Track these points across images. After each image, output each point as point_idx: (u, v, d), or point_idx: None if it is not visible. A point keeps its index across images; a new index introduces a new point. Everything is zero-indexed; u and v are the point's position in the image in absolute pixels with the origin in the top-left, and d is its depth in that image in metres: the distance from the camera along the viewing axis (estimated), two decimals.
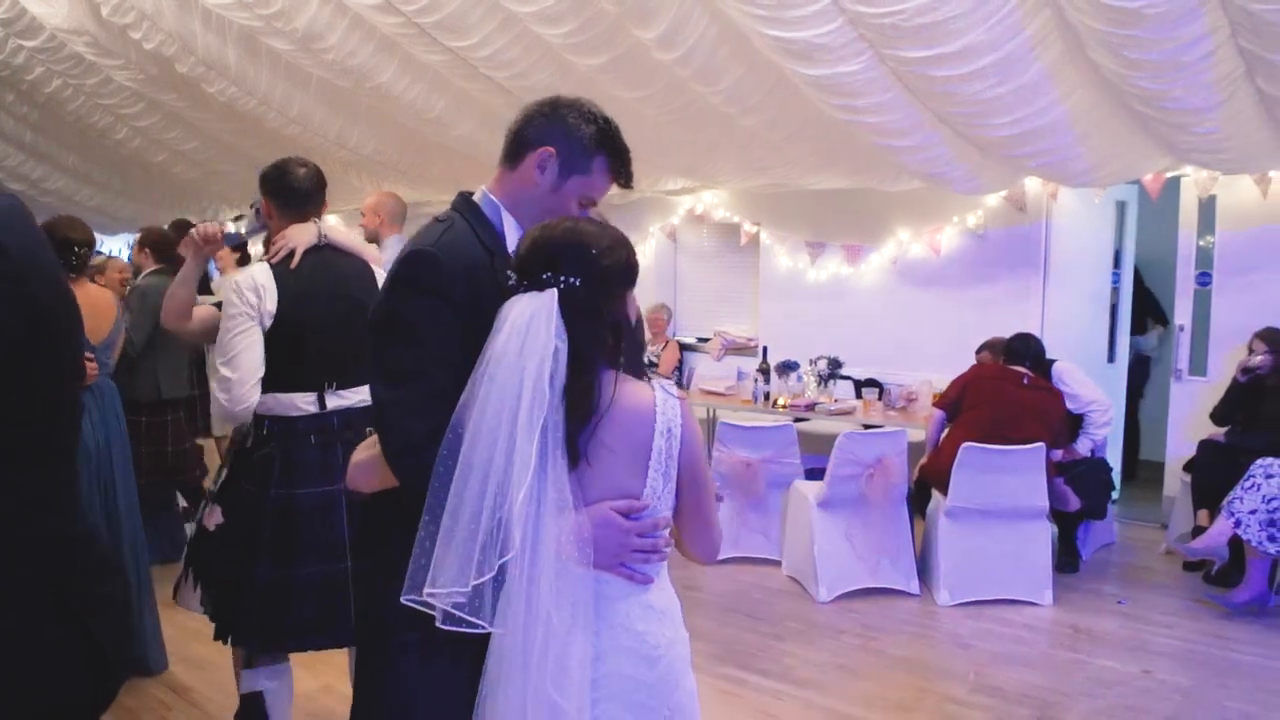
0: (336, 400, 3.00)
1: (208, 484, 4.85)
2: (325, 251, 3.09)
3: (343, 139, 7.84)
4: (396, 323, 1.81)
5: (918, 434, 5.63)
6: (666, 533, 1.75)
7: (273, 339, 2.94)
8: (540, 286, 1.70)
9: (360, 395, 2.99)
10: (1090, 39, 4.15)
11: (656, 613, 1.74)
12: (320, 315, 2.97)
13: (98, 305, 4.11)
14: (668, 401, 1.73)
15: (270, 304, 2.94)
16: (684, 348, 8.40)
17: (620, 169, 2.02)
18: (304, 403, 2.97)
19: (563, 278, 1.69)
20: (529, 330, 1.65)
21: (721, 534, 1.86)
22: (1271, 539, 4.67)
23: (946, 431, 5.32)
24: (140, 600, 4.20)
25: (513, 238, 1.96)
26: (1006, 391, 5.13)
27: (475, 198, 2.01)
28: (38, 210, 11.69)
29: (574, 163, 1.95)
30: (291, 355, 2.95)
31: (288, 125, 7.65)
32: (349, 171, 8.64)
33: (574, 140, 1.95)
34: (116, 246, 13.81)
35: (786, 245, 7.67)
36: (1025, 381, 5.19)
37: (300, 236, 3.05)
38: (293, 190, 3.12)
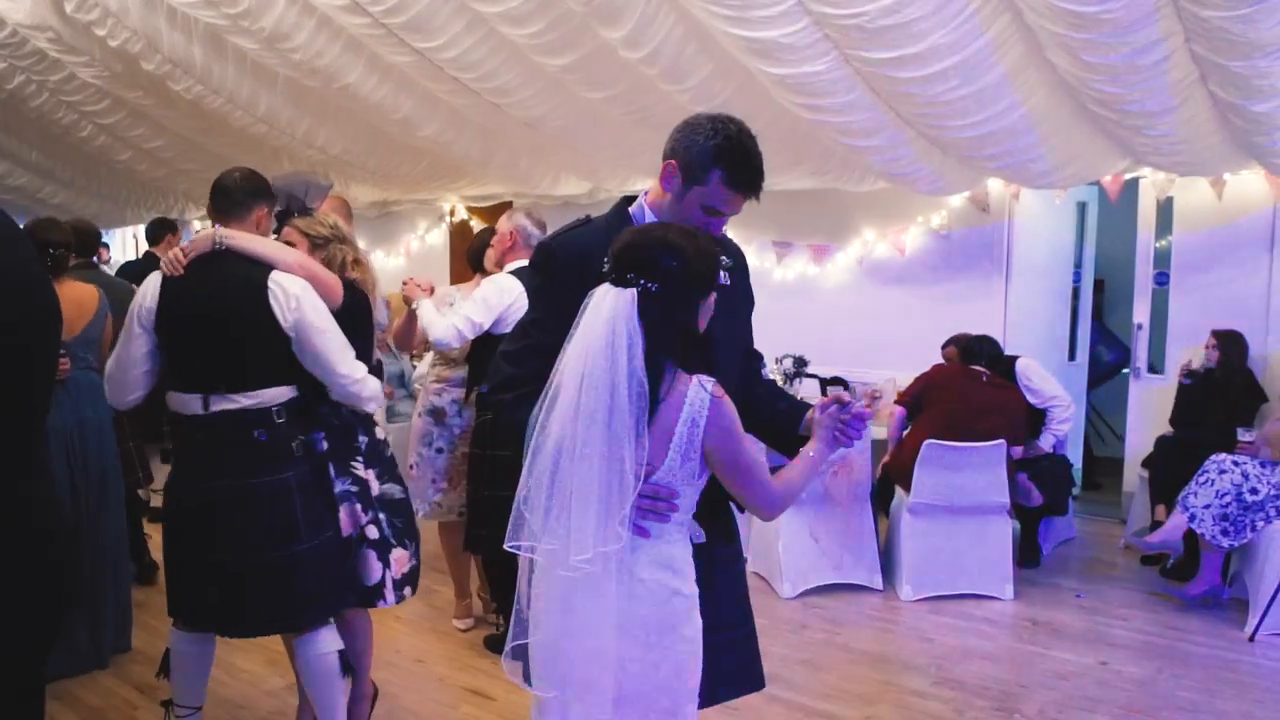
0: (225, 403, 2.98)
1: None
2: (223, 257, 3.03)
3: (310, 138, 7.82)
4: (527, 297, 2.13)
5: (882, 431, 5.70)
6: (674, 500, 1.99)
7: (161, 340, 3.04)
8: (624, 284, 1.95)
9: (257, 399, 2.99)
10: (1049, 42, 4.23)
11: (662, 566, 2.01)
12: (190, 319, 3.00)
13: (75, 302, 4.13)
14: (699, 395, 1.97)
15: (150, 303, 3.01)
16: None
17: (740, 181, 2.14)
18: (192, 403, 3.00)
19: (642, 280, 1.94)
20: (612, 323, 1.91)
21: (782, 495, 2.07)
22: (1224, 533, 4.78)
23: (908, 429, 5.39)
24: (119, 591, 4.25)
25: None
26: (967, 388, 5.21)
27: (632, 205, 2.30)
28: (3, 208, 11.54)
29: (693, 174, 2.15)
30: (174, 356, 3.05)
31: (254, 124, 7.62)
32: (317, 170, 8.59)
33: (693, 153, 2.14)
34: None
35: (753, 245, 7.71)
36: (984, 379, 5.27)
37: (198, 242, 3.07)
38: (221, 192, 3.16)
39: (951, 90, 4.53)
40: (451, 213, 9.70)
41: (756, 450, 2.26)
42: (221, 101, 7.34)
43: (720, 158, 2.12)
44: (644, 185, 7.61)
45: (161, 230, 7.25)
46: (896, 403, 5.57)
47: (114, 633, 4.22)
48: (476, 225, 8.95)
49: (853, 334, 7.15)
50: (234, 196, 3.13)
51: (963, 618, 4.86)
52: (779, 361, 6.76)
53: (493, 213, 8.22)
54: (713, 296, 2.04)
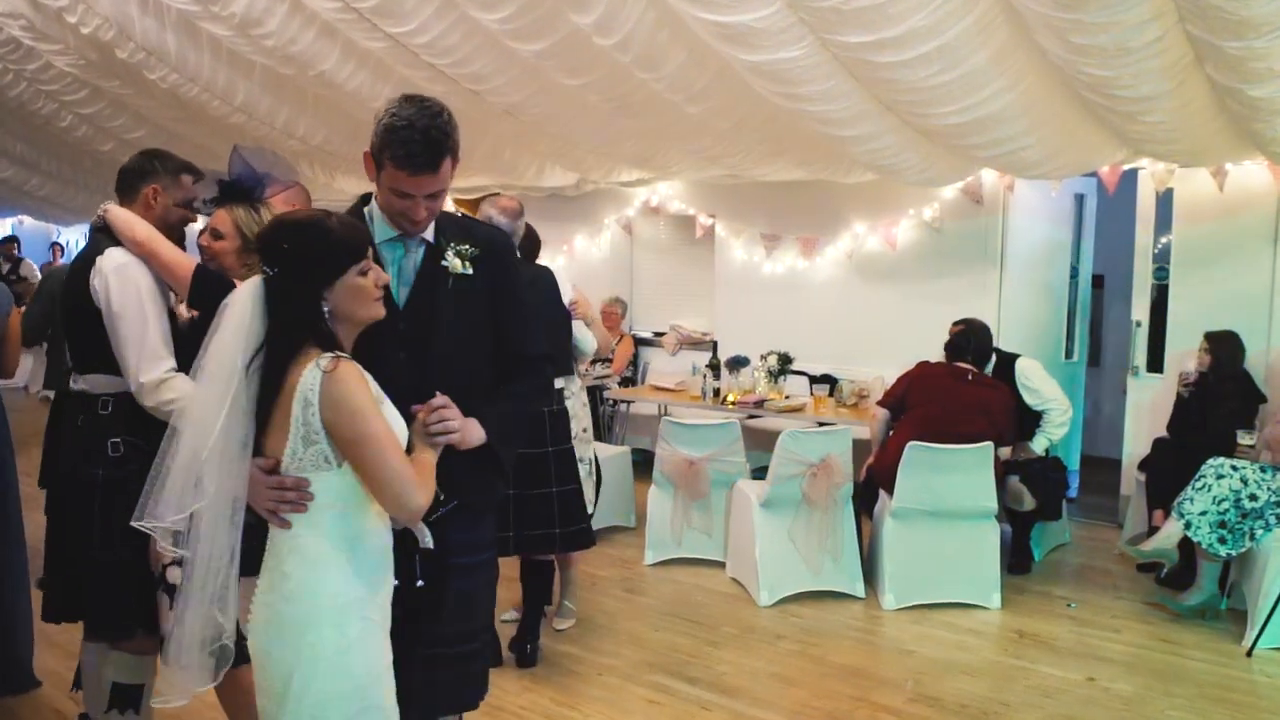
0: (79, 384, 2.90)
1: None
2: (97, 237, 2.93)
3: (290, 128, 7.64)
4: None
5: (865, 432, 5.49)
6: (305, 489, 1.95)
7: None
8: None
9: (88, 384, 2.88)
10: (1036, 23, 4.00)
11: (305, 559, 1.94)
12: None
13: None
14: (311, 374, 1.89)
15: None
16: (639, 342, 8.25)
17: (400, 158, 2.10)
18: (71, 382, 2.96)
19: (265, 267, 1.97)
20: (238, 312, 1.95)
21: (414, 492, 1.94)
22: (1222, 541, 4.55)
23: (892, 430, 5.17)
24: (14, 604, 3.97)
25: (375, 229, 2.26)
26: (951, 388, 4.99)
27: (369, 202, 2.31)
28: None
29: (377, 160, 2.17)
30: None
31: (232, 114, 7.45)
32: (300, 161, 8.43)
33: (373, 139, 2.15)
34: (73, 238, 13.57)
35: (742, 238, 7.53)
36: (970, 378, 5.05)
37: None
38: (117, 175, 3.02)
39: (934, 75, 4.30)
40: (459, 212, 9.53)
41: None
42: (198, 90, 7.17)
43: (386, 138, 2.11)
44: (630, 175, 7.54)
45: None
46: (879, 404, 5.36)
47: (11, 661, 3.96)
48: None
49: (842, 330, 6.96)
50: (124, 179, 2.97)
51: (946, 628, 4.64)
52: (763, 358, 6.57)
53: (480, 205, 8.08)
54: (358, 278, 1.98)
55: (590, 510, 4.41)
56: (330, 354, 1.91)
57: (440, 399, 2.11)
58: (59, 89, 8.13)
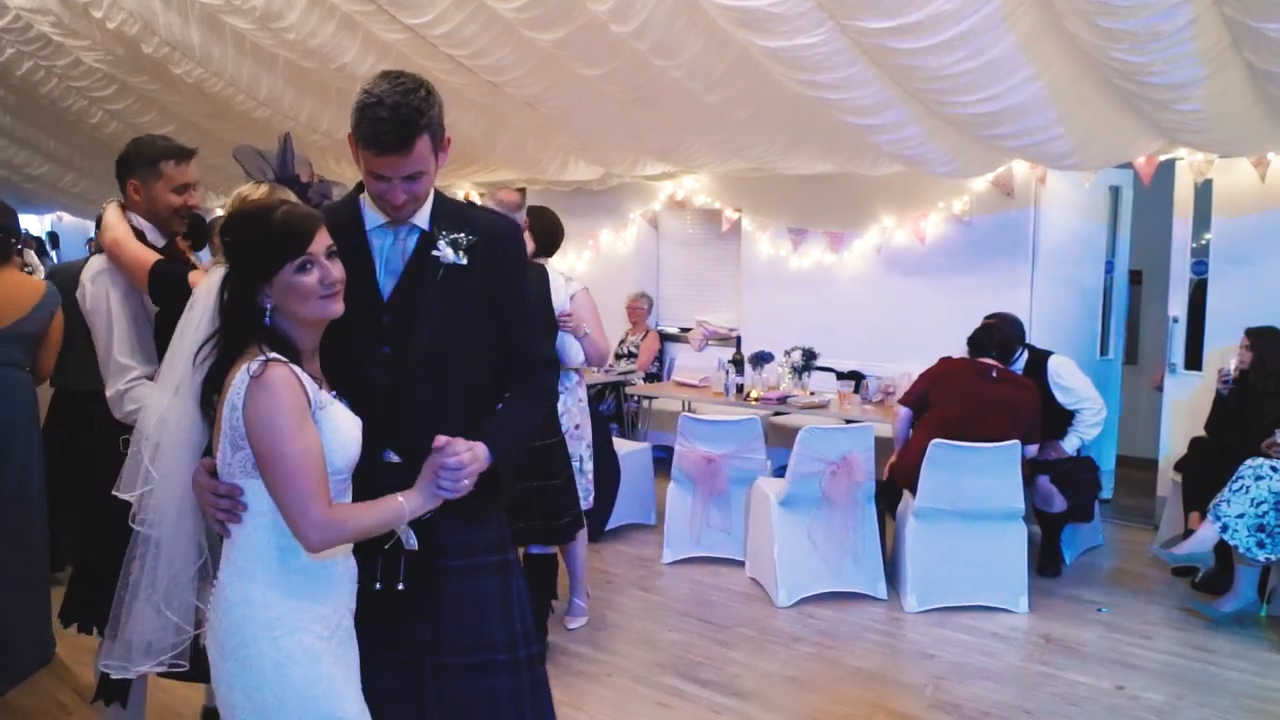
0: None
1: None
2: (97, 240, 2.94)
3: (314, 122, 7.63)
4: None
5: (887, 430, 5.36)
6: (238, 497, 1.88)
7: None
8: None
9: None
10: (1064, 8, 3.86)
11: (237, 568, 1.87)
12: None
13: (6, 293, 3.89)
14: (241, 377, 1.81)
15: None
16: (665, 338, 8.16)
17: (366, 138, 1.99)
18: None
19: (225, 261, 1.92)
20: (199, 303, 1.93)
21: (326, 524, 1.82)
22: (1260, 545, 4.37)
23: (914, 429, 5.03)
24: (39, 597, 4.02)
25: (366, 215, 2.15)
26: (973, 385, 4.84)
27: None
28: (25, 197, 11.53)
29: (355, 143, 2.04)
30: None
31: (257, 108, 7.46)
32: (326, 156, 8.44)
33: (351, 117, 2.02)
34: None
35: (768, 232, 7.41)
36: (994, 374, 4.90)
37: None
38: None
39: (958, 63, 4.16)
40: (465, 199, 9.49)
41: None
42: (223, 85, 7.19)
43: (356, 117, 2.00)
44: (654, 169, 7.46)
45: None
46: (900, 401, 5.22)
47: (33, 644, 3.97)
48: None
49: (870, 325, 6.82)
50: (116, 175, 2.92)
51: (970, 632, 4.50)
52: (788, 354, 6.44)
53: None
54: (296, 276, 1.87)
55: (585, 505, 4.34)
56: (262, 358, 1.81)
57: (462, 453, 1.94)
58: (88, 85, 8.18)
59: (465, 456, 1.93)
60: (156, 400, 1.95)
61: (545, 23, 5.04)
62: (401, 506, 1.90)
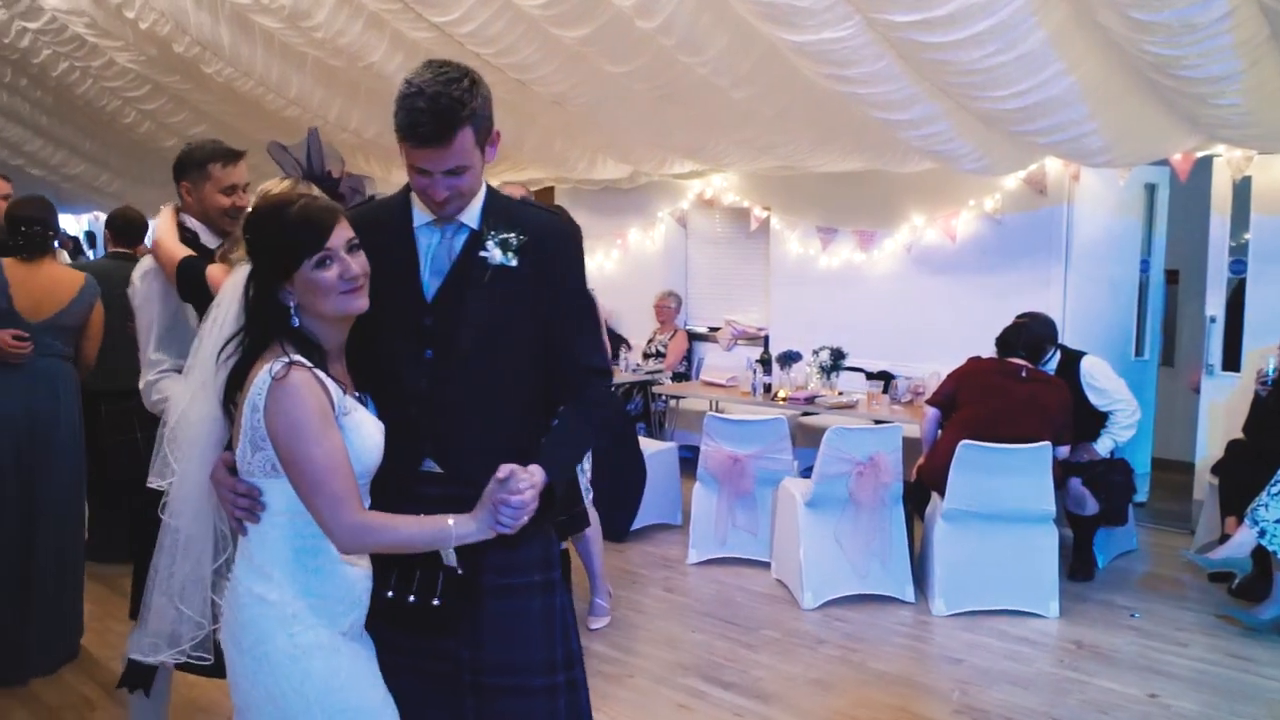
0: None
1: None
2: None
3: (343, 121, 7.67)
4: None
5: (915, 431, 5.28)
6: (257, 497, 1.86)
7: None
8: None
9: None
10: (1096, 0, 3.78)
11: (254, 567, 1.85)
12: None
13: (46, 286, 3.97)
14: (261, 379, 1.78)
15: None
16: (693, 337, 8.11)
17: (403, 129, 1.91)
18: None
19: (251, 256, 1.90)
20: (225, 300, 1.93)
21: (361, 528, 1.79)
22: None
23: (942, 430, 4.96)
24: (70, 590, 4.06)
25: (414, 212, 2.06)
26: (1002, 386, 4.75)
27: None
28: (63, 197, 11.65)
29: (396, 133, 1.93)
30: None
31: (287, 107, 7.50)
32: (355, 155, 8.48)
33: (394, 111, 1.93)
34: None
35: (797, 231, 7.34)
36: (1024, 374, 4.81)
37: None
38: None
39: (989, 57, 4.09)
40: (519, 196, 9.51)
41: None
42: (252, 84, 7.25)
43: (396, 107, 1.90)
44: (682, 168, 7.41)
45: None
46: (928, 402, 5.14)
47: (59, 637, 4.02)
48: None
49: (900, 325, 6.74)
50: (173, 177, 2.99)
51: (998, 636, 4.42)
52: (815, 353, 6.38)
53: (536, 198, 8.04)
54: (316, 271, 1.82)
55: (586, 500, 4.34)
56: (285, 359, 1.78)
57: (525, 490, 1.81)
58: (122, 85, 8.27)
59: (529, 495, 1.81)
60: (179, 395, 1.96)
61: (570, 19, 5.02)
62: (449, 531, 1.80)
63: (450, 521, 1.80)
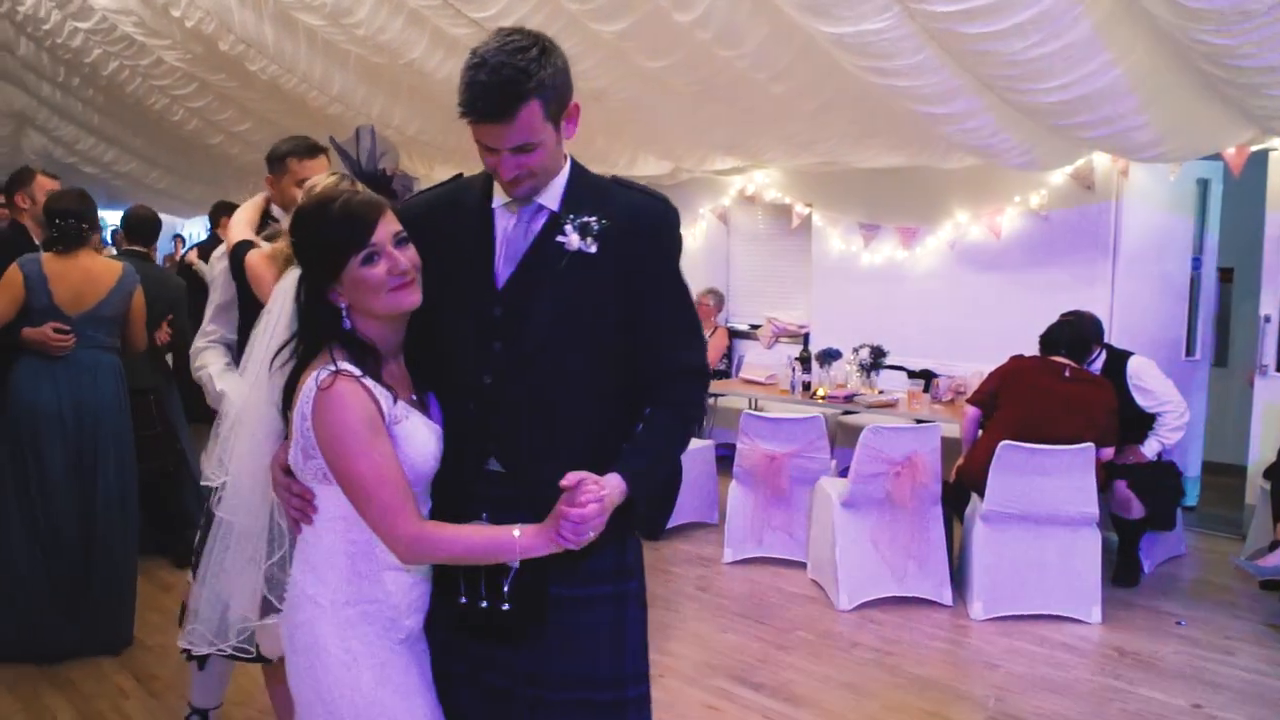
0: None
1: None
2: None
3: (386, 118, 7.70)
4: None
5: (955, 431, 5.18)
6: (310, 500, 1.84)
7: None
8: None
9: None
10: None
11: (310, 568, 1.84)
12: None
13: (85, 277, 4.01)
14: (309, 388, 1.76)
15: None
16: (734, 334, 8.05)
17: (465, 103, 1.75)
18: None
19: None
20: (275, 306, 1.91)
21: (416, 539, 1.73)
22: None
23: (983, 430, 4.86)
24: (121, 579, 4.10)
25: (497, 194, 1.91)
26: (1046, 385, 4.64)
27: None
28: (114, 193, 11.86)
29: (458, 107, 1.79)
30: None
31: (330, 104, 7.55)
32: (398, 152, 8.50)
33: None
34: (195, 230, 14.05)
35: (839, 227, 7.25)
36: (1067, 374, 4.69)
37: None
38: None
39: (1032, 48, 3.99)
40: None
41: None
42: (296, 81, 7.31)
43: (459, 85, 1.76)
44: (723, 164, 7.34)
45: (219, 212, 7.28)
46: (969, 401, 5.03)
47: (111, 625, 4.07)
48: None
49: (943, 323, 6.63)
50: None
51: (1038, 642, 4.32)
52: (855, 351, 6.29)
53: None
54: (363, 269, 1.75)
55: None
56: (331, 368, 1.72)
57: (589, 504, 1.66)
58: (169, 84, 8.39)
59: (591, 510, 1.66)
60: (234, 394, 2.03)
61: (608, 13, 5.00)
62: (513, 543, 1.70)
63: (516, 533, 1.70)
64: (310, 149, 3.04)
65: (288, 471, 1.84)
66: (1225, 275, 6.96)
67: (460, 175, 2.02)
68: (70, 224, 3.98)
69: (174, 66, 8.00)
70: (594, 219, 1.82)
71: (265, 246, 2.91)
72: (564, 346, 1.84)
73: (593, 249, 1.81)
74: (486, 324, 1.85)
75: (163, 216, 14.05)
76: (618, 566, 1.94)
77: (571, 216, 1.82)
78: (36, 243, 4.32)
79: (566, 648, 1.89)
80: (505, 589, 1.82)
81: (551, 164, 1.84)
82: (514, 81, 1.70)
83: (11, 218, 4.55)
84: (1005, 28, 3.88)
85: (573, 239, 1.81)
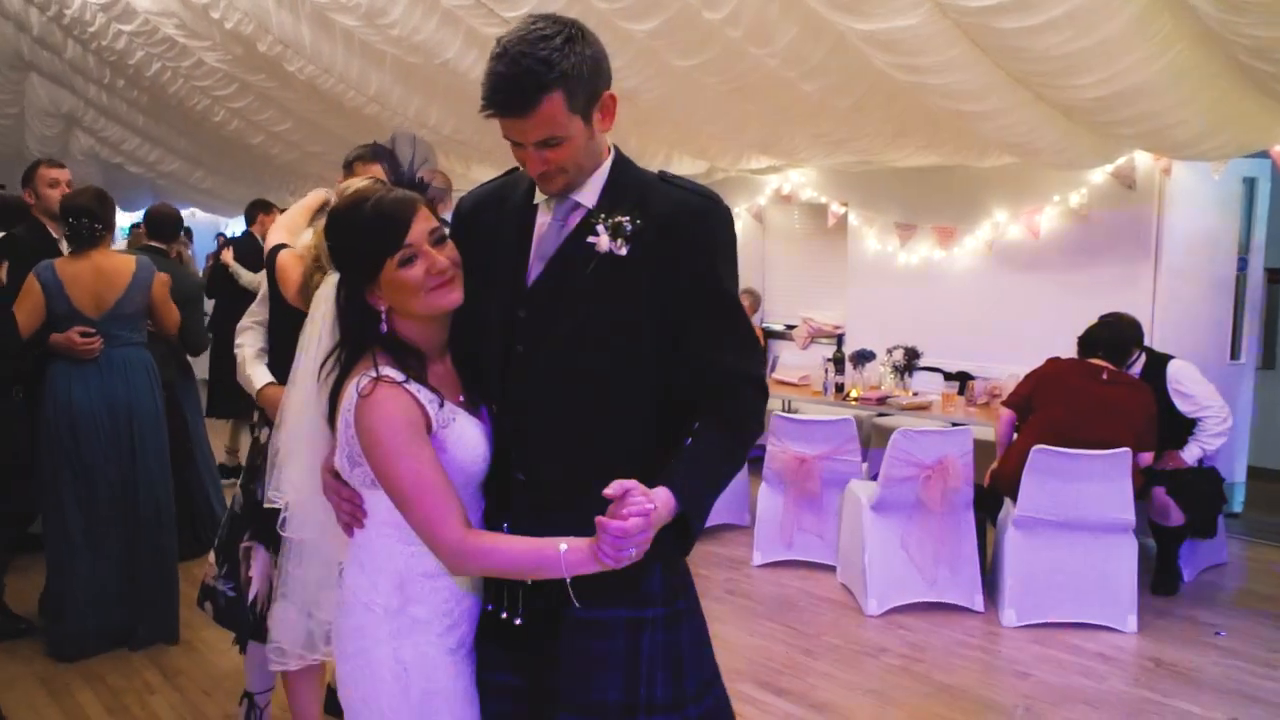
0: None
1: None
2: None
3: (422, 118, 7.74)
4: None
5: (989, 433, 5.10)
6: (359, 505, 1.81)
7: None
8: None
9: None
10: None
11: (363, 573, 1.81)
12: None
13: (98, 277, 4.03)
14: (350, 393, 1.73)
15: None
16: (770, 335, 7.99)
17: (486, 95, 1.67)
18: None
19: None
20: (319, 314, 1.89)
21: (461, 549, 1.66)
22: None
23: (1017, 433, 4.77)
24: (162, 574, 4.16)
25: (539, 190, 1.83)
26: (1083, 388, 4.54)
27: None
28: (159, 193, 12.03)
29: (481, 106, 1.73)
30: None
31: (367, 104, 7.61)
32: (435, 152, 8.54)
33: None
34: (238, 228, 14.23)
35: (875, 227, 7.16)
36: (1104, 376, 4.59)
37: None
38: None
39: (1066, 43, 3.90)
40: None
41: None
42: (333, 82, 7.36)
43: (484, 82, 1.68)
44: (758, 163, 7.27)
45: (255, 210, 7.34)
46: (1004, 404, 4.94)
47: (151, 619, 4.12)
48: None
49: (980, 324, 6.52)
50: None
51: (1071, 651, 4.23)
52: (889, 353, 6.22)
53: None
54: (400, 270, 1.69)
55: None
56: (372, 374, 1.68)
57: (631, 518, 1.52)
58: (211, 84, 8.48)
59: (634, 524, 1.52)
60: (285, 410, 1.98)
61: (638, 12, 4.97)
62: (558, 558, 1.59)
63: (562, 547, 1.59)
64: (373, 153, 3.04)
65: (336, 475, 1.82)
66: (1273, 276, 6.77)
67: (516, 169, 1.89)
68: (83, 224, 3.97)
69: (214, 68, 8.09)
70: (627, 219, 1.71)
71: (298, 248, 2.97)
72: (585, 352, 1.74)
73: (623, 251, 1.71)
74: (510, 325, 1.77)
75: (206, 216, 14.30)
76: (635, 589, 1.78)
77: (604, 216, 1.72)
78: (55, 236, 4.36)
79: (579, 670, 1.80)
80: (519, 603, 1.77)
81: (585, 159, 1.74)
82: (533, 73, 1.61)
83: (32, 214, 4.58)
84: (1038, 22, 3.79)
85: (603, 240, 1.71)
